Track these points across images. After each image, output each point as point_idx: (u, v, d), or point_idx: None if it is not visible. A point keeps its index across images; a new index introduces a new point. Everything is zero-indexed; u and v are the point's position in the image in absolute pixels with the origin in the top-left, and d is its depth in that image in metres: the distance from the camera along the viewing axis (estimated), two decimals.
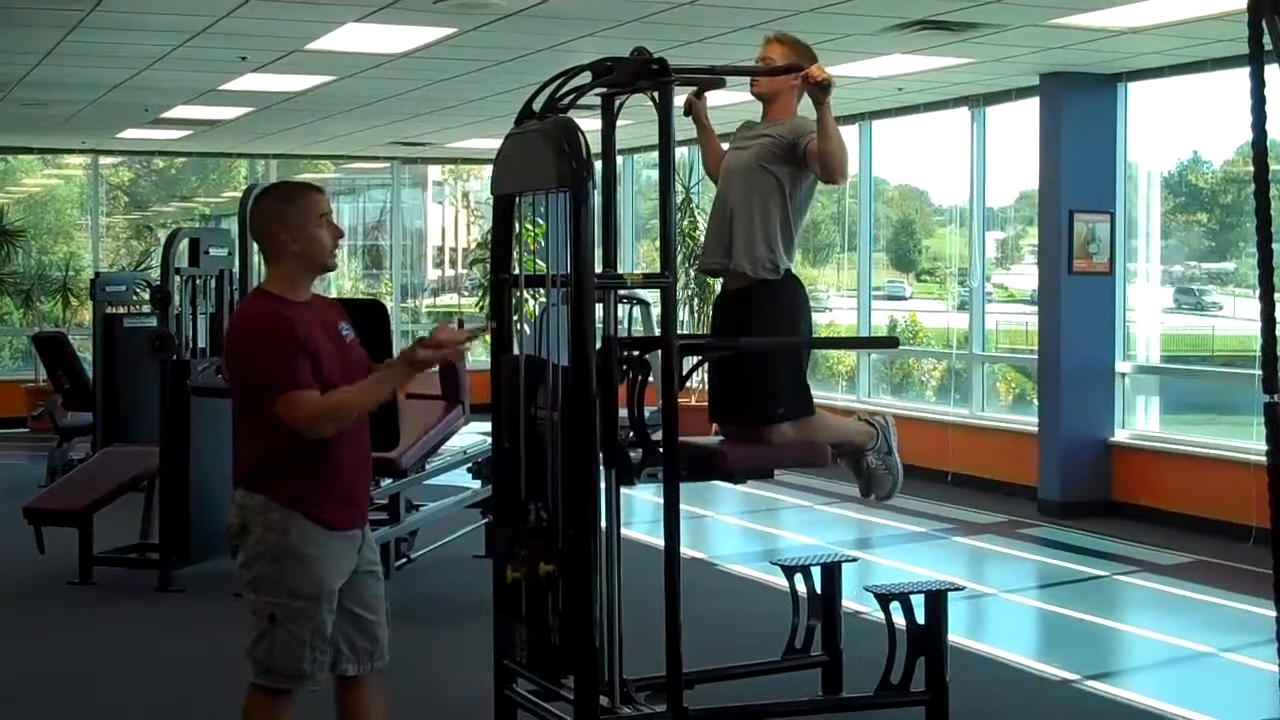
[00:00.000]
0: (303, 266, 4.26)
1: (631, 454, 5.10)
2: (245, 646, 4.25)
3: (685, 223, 14.13)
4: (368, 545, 4.37)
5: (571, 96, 5.13)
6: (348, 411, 4.17)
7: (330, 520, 4.20)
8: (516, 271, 5.31)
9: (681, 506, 4.98)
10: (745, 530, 10.77)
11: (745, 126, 5.65)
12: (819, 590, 5.94)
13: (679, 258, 13.39)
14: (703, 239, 5.86)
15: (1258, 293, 3.05)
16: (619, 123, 5.41)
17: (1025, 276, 13.73)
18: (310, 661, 4.19)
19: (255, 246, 9.03)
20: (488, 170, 10.41)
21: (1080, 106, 11.07)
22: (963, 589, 6.85)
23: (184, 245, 10.30)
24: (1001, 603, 8.52)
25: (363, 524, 4.35)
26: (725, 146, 5.75)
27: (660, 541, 5.02)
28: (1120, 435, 11.15)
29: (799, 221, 5.45)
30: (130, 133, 15.16)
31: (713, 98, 5.66)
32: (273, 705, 4.25)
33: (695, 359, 5.58)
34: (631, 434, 5.09)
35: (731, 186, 5.46)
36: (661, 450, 4.99)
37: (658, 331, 5.49)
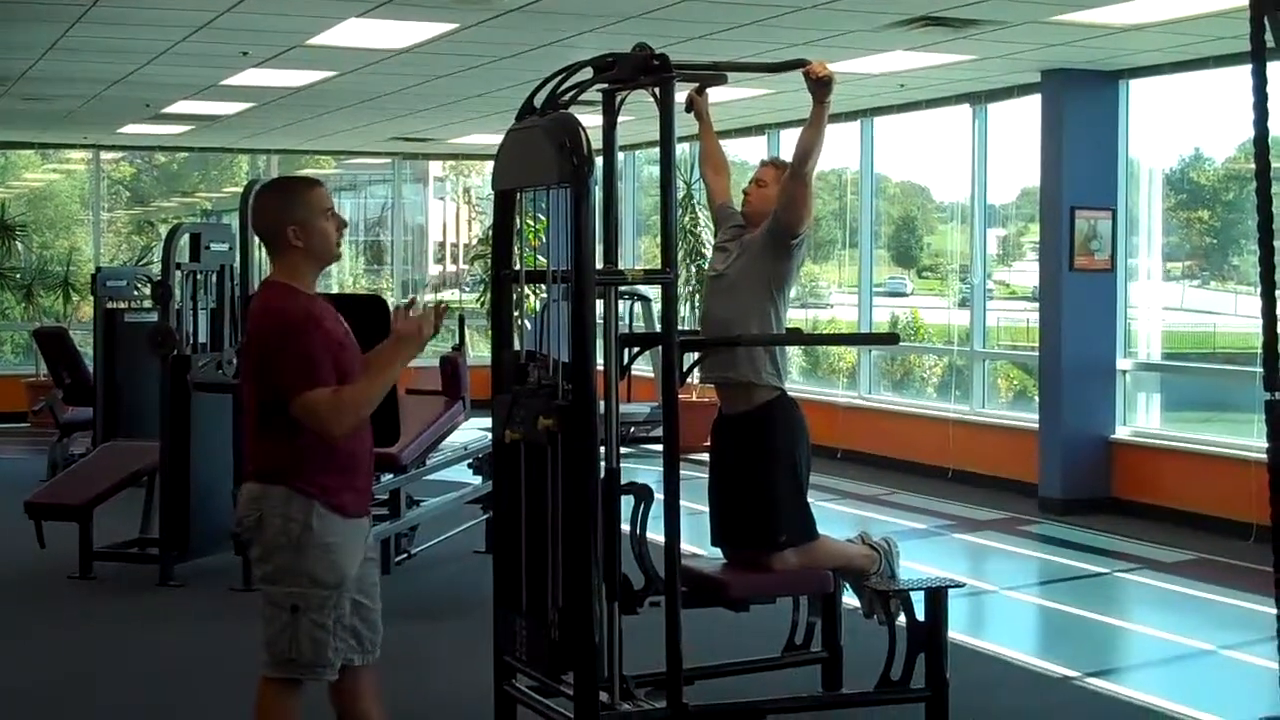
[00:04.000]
0: (310, 260, 4.26)
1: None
2: (266, 639, 4.22)
3: (686, 219, 14.12)
4: (371, 533, 4.44)
5: (573, 92, 5.14)
6: (369, 399, 4.20)
7: (346, 507, 4.21)
8: (518, 267, 5.31)
9: (681, 502, 4.99)
10: None
11: (733, 226, 5.69)
12: None
13: (680, 254, 13.44)
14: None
15: (1259, 290, 3.04)
16: (620, 118, 5.42)
17: (1026, 273, 13.72)
18: (334, 650, 4.19)
19: (257, 241, 9.05)
20: (489, 166, 10.43)
21: (1082, 103, 11.06)
22: (963, 586, 6.84)
23: (185, 240, 10.29)
24: (1002, 599, 8.52)
25: (369, 512, 4.39)
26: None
27: (660, 537, 5.03)
28: (1121, 432, 11.15)
29: (786, 305, 5.54)
30: (131, 128, 15.16)
31: (714, 94, 5.67)
32: (289, 697, 4.24)
33: (695, 355, 5.59)
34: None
35: (718, 300, 5.58)
36: (664, 576, 5.02)
37: (658, 327, 5.50)
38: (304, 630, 4.16)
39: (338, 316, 4.37)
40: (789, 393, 5.58)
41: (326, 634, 4.17)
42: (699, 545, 9.29)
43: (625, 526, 5.09)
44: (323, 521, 4.17)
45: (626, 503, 5.06)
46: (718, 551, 5.76)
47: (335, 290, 15.80)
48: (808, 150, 5.30)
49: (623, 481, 4.98)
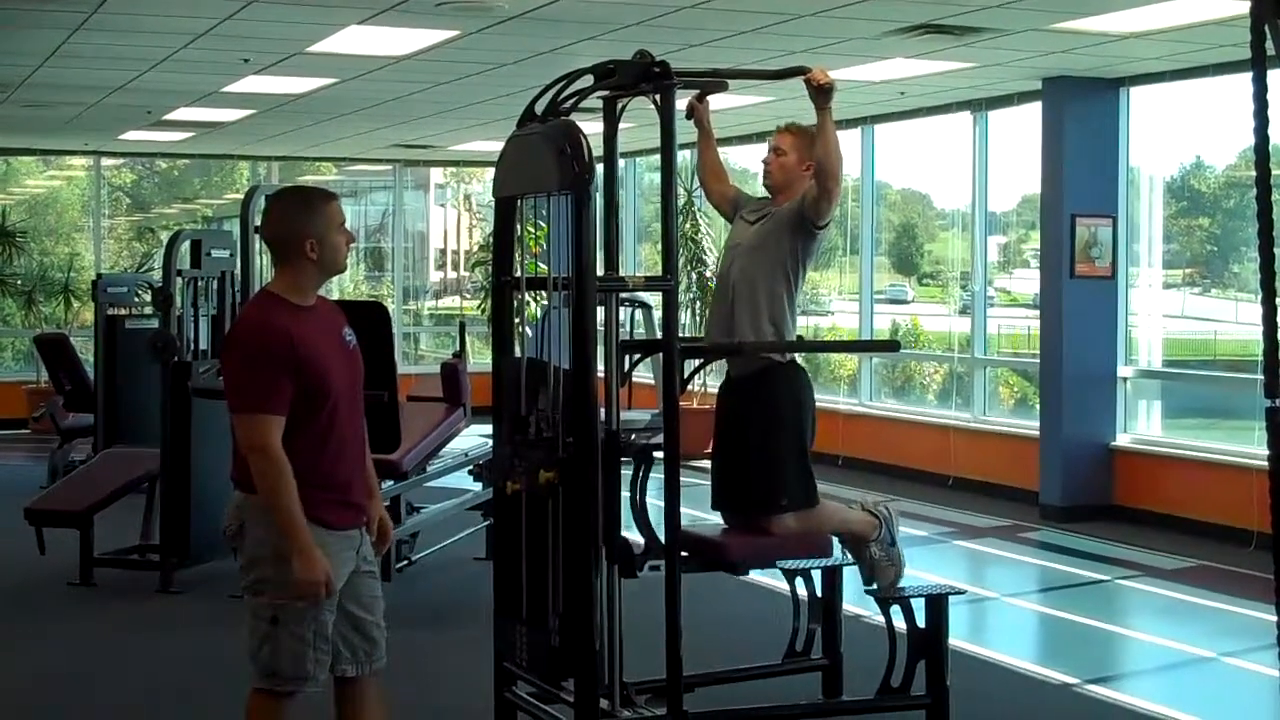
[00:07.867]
0: (319, 272, 4.29)
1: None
2: (249, 650, 4.25)
3: (687, 226, 14.12)
4: (365, 545, 4.39)
5: (574, 99, 5.14)
6: (271, 488, 4.10)
7: (328, 520, 4.20)
8: (518, 273, 5.31)
9: (682, 508, 4.98)
10: None
11: (757, 201, 5.66)
12: (820, 593, 5.93)
13: (680, 261, 13.42)
14: (707, 316, 5.86)
15: (1259, 297, 3.05)
16: (621, 125, 5.42)
17: (1027, 280, 13.73)
18: (313, 662, 4.20)
19: (258, 248, 9.06)
20: (490, 173, 10.40)
21: (1082, 111, 11.06)
22: (963, 593, 6.86)
23: (186, 247, 10.30)
24: (1002, 606, 8.52)
25: (361, 524, 4.36)
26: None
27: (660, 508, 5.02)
28: (1122, 439, 11.14)
29: (800, 288, 5.49)
30: (132, 134, 15.17)
31: (715, 101, 5.66)
32: (275, 708, 4.25)
33: (696, 362, 5.58)
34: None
35: (734, 264, 5.50)
36: (664, 542, 5.00)
37: (659, 334, 5.50)
38: (284, 642, 4.17)
39: (338, 328, 4.37)
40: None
41: (305, 646, 4.17)
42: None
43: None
44: None
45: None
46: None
47: (336, 297, 15.80)
48: (826, 163, 5.26)
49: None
